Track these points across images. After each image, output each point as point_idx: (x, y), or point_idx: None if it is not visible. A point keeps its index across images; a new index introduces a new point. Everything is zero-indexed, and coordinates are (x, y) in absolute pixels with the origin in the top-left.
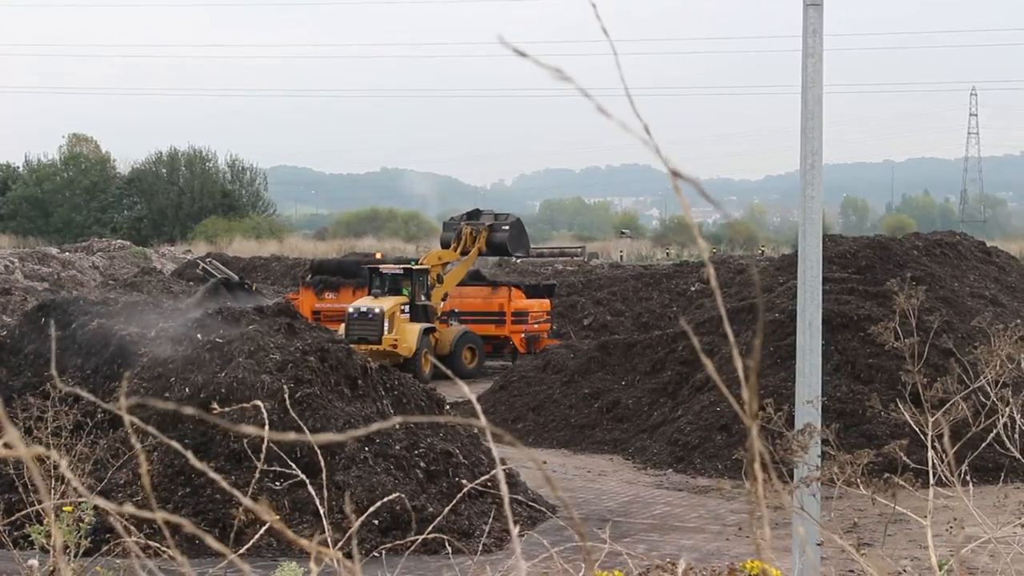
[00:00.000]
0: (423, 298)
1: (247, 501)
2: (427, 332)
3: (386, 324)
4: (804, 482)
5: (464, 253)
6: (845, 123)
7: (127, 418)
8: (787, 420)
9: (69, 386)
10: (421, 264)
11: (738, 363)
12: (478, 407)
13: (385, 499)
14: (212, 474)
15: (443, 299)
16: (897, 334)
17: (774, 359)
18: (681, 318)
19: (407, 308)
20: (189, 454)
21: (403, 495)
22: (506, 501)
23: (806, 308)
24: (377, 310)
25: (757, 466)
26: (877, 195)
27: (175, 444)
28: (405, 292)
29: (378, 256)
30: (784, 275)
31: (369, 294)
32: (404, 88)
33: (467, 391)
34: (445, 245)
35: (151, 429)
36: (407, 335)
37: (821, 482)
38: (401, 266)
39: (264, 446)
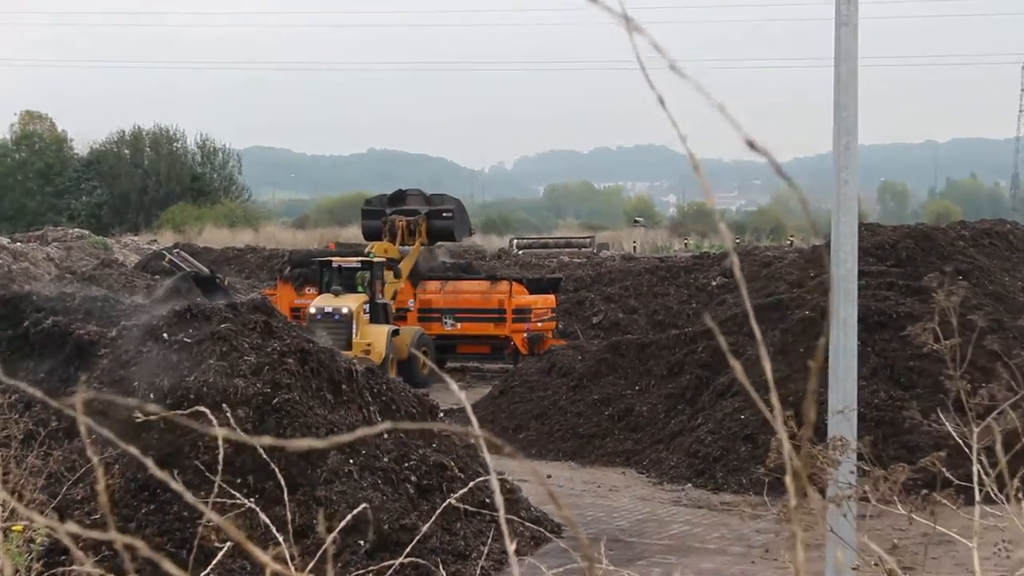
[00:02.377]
0: (382, 295)
1: (214, 515)
2: (394, 334)
3: (354, 326)
4: (834, 501)
5: (403, 246)
6: (883, 100)
7: (83, 426)
8: (819, 430)
9: (20, 391)
10: (373, 256)
11: (766, 365)
12: (472, 416)
13: (353, 512)
14: (175, 486)
15: (392, 297)
16: (937, 335)
17: (804, 361)
18: (705, 314)
19: (367, 307)
20: (149, 462)
21: (367, 505)
22: (502, 517)
23: (840, 305)
24: (345, 310)
25: (790, 480)
26: (918, 179)
27: (135, 452)
28: (360, 288)
29: (331, 247)
30: (815, 268)
31: (322, 291)
32: (394, 61)
33: (461, 397)
34: (369, 235)
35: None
36: (377, 339)
37: (855, 500)
38: (359, 259)
39: (222, 451)
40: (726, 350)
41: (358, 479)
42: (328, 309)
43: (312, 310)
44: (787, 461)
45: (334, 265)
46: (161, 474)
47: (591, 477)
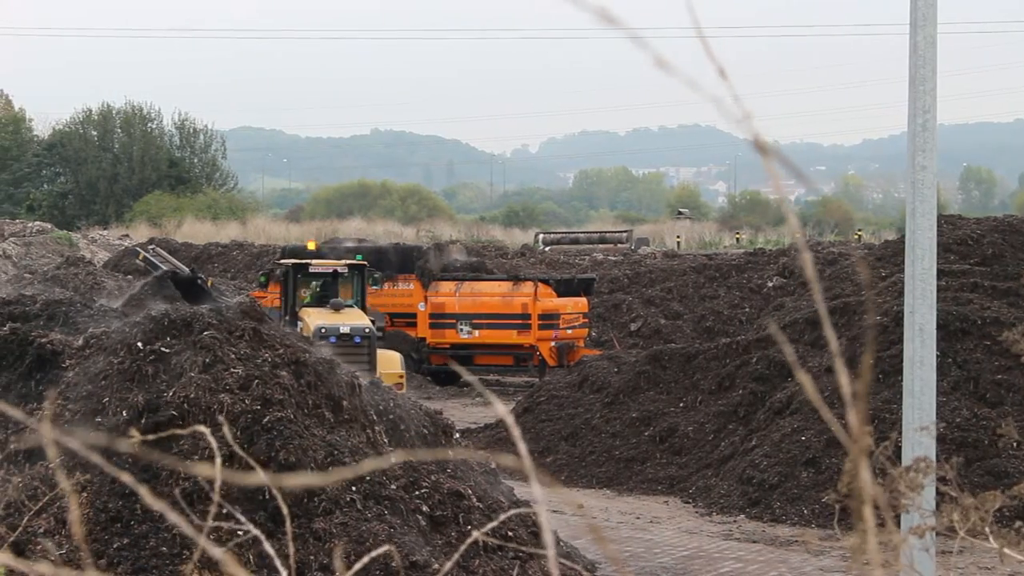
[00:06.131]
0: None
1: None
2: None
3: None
4: (916, 533)
5: None
6: (966, 72)
7: (52, 447)
8: (893, 452)
9: None
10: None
11: (843, 379)
12: (516, 431)
13: (374, 552)
14: (173, 517)
15: None
16: None
17: (875, 374)
18: (768, 319)
19: None
20: (172, 512)
21: (393, 547)
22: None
23: (916, 309)
24: (367, 330)
25: (869, 511)
26: (1007, 164)
27: (126, 477)
28: (346, 301)
29: (311, 246)
30: (887, 267)
31: (291, 303)
32: (401, 28)
33: (502, 410)
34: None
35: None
36: (400, 367)
37: (937, 532)
38: (345, 262)
39: (218, 485)
40: (793, 361)
41: (361, 509)
42: (344, 329)
43: (321, 328)
44: (864, 485)
45: (321, 271)
46: (153, 500)
47: (629, 507)
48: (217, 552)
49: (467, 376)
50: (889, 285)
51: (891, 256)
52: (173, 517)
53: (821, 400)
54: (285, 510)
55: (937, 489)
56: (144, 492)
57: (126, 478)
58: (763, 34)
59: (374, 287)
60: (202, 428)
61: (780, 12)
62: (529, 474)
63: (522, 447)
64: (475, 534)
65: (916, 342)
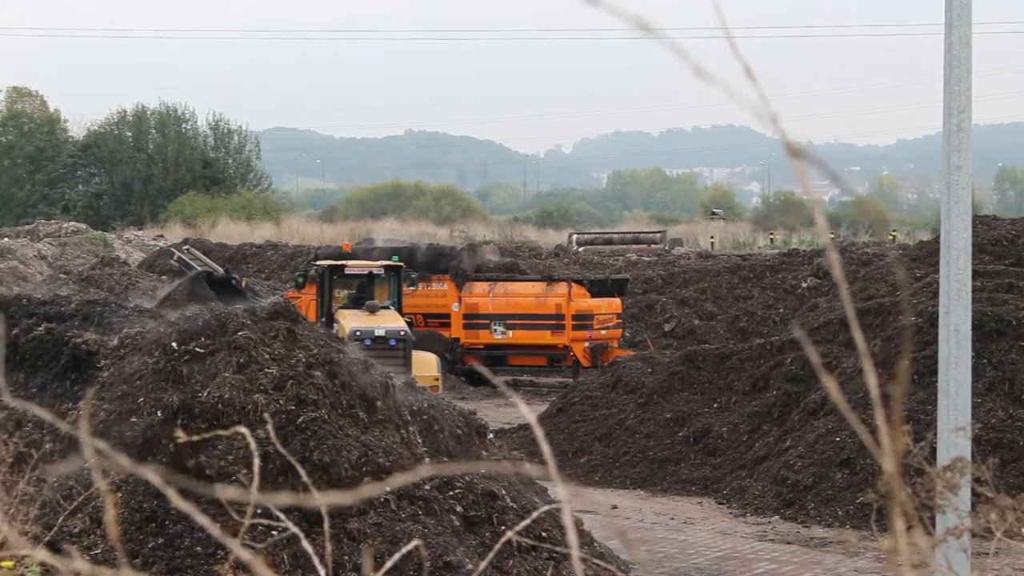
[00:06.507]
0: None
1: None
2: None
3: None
4: (952, 534)
5: None
6: (1002, 72)
7: (89, 446)
8: (929, 453)
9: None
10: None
11: (870, 380)
12: (540, 433)
13: (404, 549)
14: (202, 519)
15: None
16: None
17: (910, 375)
18: (793, 322)
19: None
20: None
21: (421, 542)
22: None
23: (952, 310)
24: (402, 333)
25: (900, 513)
26: None
27: (152, 477)
28: (382, 303)
29: (346, 247)
30: (922, 267)
31: (327, 307)
32: (433, 29)
33: (526, 411)
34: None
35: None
36: (437, 369)
37: (973, 534)
38: (381, 264)
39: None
40: (817, 364)
41: (395, 510)
42: (380, 332)
43: (356, 331)
44: (894, 487)
45: (357, 272)
46: (183, 503)
47: (663, 507)
48: (245, 555)
49: (494, 380)
50: (924, 286)
51: (926, 257)
52: (201, 519)
53: (846, 403)
54: (324, 509)
55: (973, 490)
56: (172, 494)
57: (153, 478)
58: (797, 34)
59: (410, 288)
60: (243, 430)
61: (815, 12)
62: (554, 478)
63: (546, 449)
64: (509, 534)
65: (951, 343)
